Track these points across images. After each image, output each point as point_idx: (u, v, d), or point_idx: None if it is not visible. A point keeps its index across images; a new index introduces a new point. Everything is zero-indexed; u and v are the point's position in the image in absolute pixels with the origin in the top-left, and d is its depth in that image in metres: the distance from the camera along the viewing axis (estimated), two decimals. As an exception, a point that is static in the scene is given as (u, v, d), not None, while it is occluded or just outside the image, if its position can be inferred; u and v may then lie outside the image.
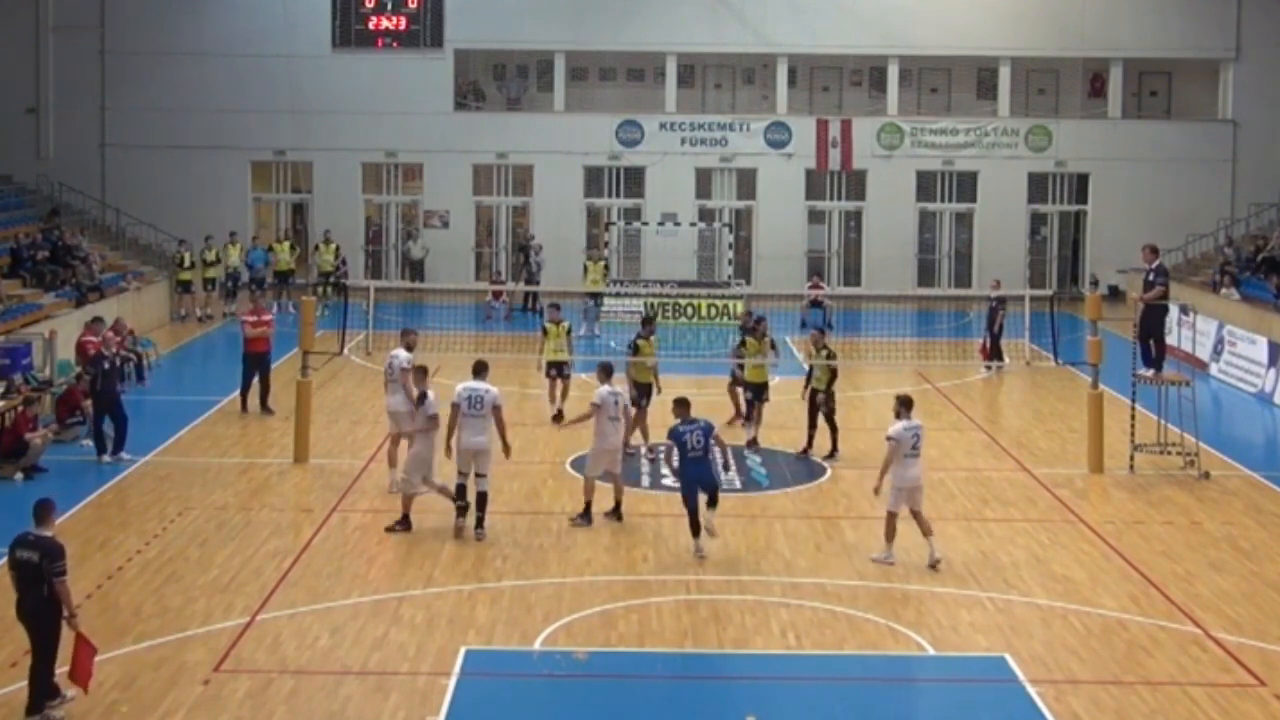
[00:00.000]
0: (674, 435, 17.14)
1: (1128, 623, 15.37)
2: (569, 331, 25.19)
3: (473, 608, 15.49)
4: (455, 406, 17.90)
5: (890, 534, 17.01)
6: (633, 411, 18.92)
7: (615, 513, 18.68)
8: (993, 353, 29.86)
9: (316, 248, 39.77)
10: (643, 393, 22.64)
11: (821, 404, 22.31)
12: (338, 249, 39.46)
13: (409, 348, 20.13)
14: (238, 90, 41.51)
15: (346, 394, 26.98)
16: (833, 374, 22.47)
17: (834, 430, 22.53)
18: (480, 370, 18.37)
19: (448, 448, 18.04)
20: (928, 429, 17.47)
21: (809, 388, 22.54)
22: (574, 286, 35.84)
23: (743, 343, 23.38)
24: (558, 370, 24.54)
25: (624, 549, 17.42)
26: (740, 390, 23.63)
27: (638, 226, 42.01)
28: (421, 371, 18.53)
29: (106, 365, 22.30)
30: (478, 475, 17.89)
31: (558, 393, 24.55)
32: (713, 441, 17.37)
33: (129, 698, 13.03)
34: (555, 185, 42.53)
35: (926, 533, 16.98)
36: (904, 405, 17.15)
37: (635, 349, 23.03)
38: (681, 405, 17.46)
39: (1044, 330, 28.09)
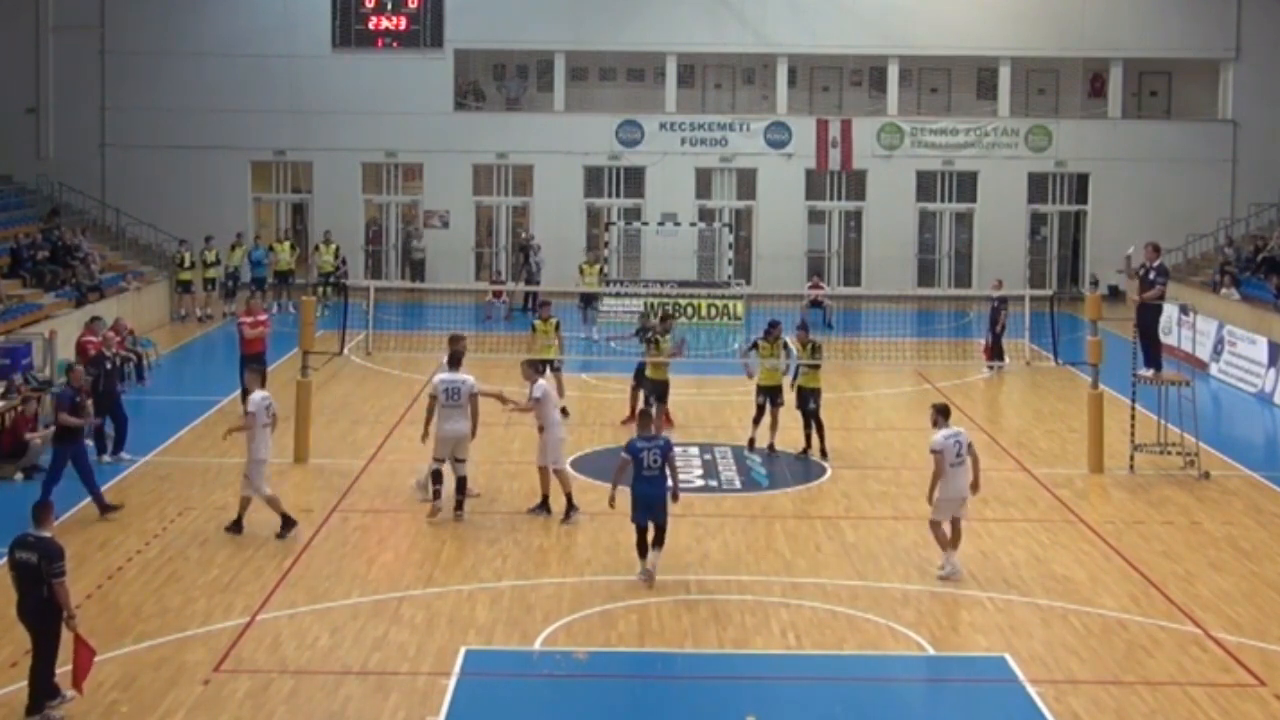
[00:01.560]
0: (631, 450, 16.21)
1: (1128, 623, 15.37)
2: (557, 327, 25.04)
3: (473, 608, 15.49)
4: (433, 398, 18.54)
5: (942, 543, 16.68)
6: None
7: (543, 507, 18.80)
8: (995, 352, 29.87)
9: (317, 248, 39.80)
10: (658, 392, 22.66)
11: (807, 402, 22.28)
12: (338, 249, 39.48)
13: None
14: (238, 90, 41.52)
15: (346, 394, 26.98)
16: (817, 371, 22.45)
17: (820, 429, 22.50)
18: (455, 361, 18.88)
19: (425, 434, 18.75)
20: (928, 430, 17.32)
21: (794, 385, 22.58)
22: (574, 287, 35.82)
23: (755, 345, 23.23)
24: (547, 366, 24.20)
25: (624, 549, 17.38)
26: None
27: (638, 226, 42.02)
28: (256, 375, 18.81)
29: (108, 365, 22.30)
30: (457, 461, 18.50)
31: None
32: (666, 461, 16.26)
33: (129, 698, 13.03)
34: (555, 185, 42.54)
35: (955, 543, 16.74)
36: (941, 414, 16.74)
37: (655, 345, 22.98)
38: (645, 419, 16.94)
39: (1044, 330, 28.12)
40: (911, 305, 40.87)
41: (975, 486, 16.89)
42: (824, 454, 22.33)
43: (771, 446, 22.56)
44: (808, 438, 22.53)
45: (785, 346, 23.25)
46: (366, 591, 16.01)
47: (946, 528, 16.68)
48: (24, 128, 41.29)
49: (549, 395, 18.87)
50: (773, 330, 23.06)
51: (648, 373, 23.05)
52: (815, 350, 22.50)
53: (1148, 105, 44.24)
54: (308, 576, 16.49)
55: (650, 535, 16.25)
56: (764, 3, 42.24)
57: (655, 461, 16.10)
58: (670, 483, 16.43)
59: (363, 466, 21.60)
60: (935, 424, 16.75)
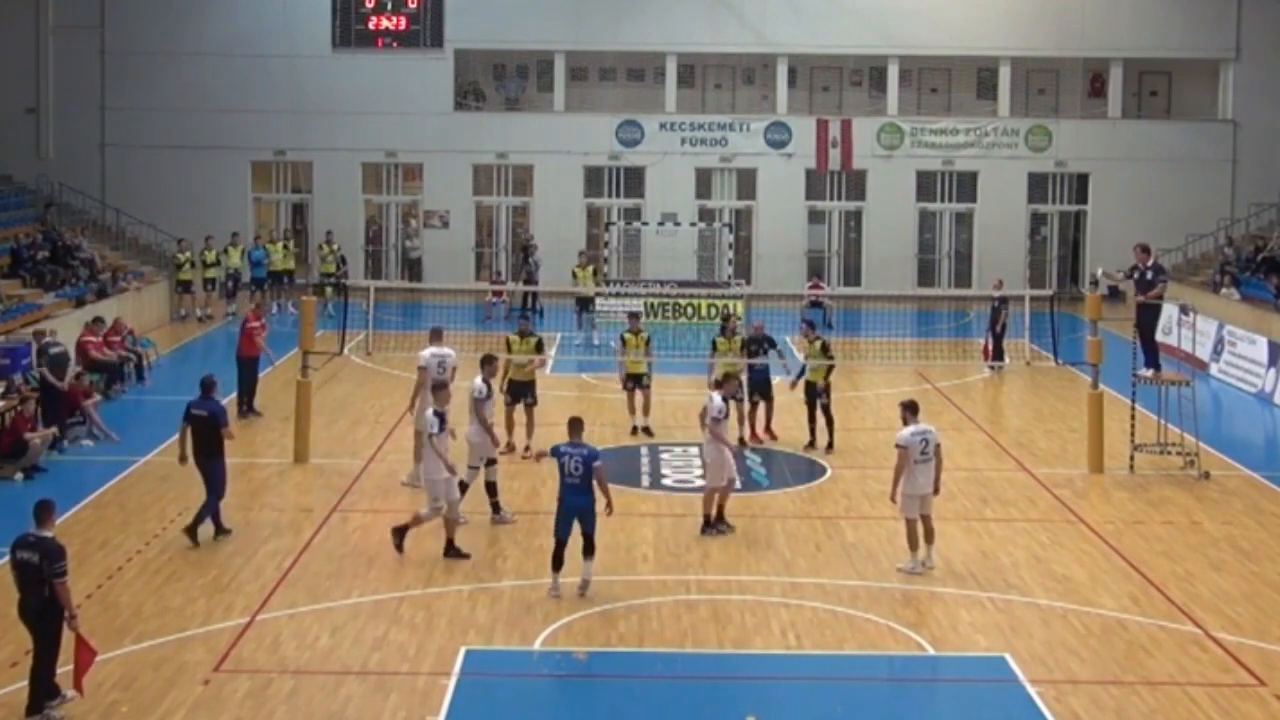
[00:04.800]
0: (554, 452, 15.90)
1: (1128, 623, 15.37)
2: (649, 342, 23.87)
3: (473, 608, 15.50)
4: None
5: (913, 542, 16.85)
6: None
7: (719, 521, 18.27)
8: (995, 353, 29.86)
9: (320, 247, 39.78)
10: (521, 393, 22.19)
11: (819, 397, 22.45)
12: (338, 249, 39.47)
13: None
14: (238, 90, 41.52)
15: (346, 394, 26.98)
16: (829, 368, 22.63)
17: (830, 423, 22.61)
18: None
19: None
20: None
21: (797, 380, 22.62)
22: (572, 289, 35.78)
23: (713, 344, 23.28)
24: (636, 382, 23.60)
25: (624, 549, 17.42)
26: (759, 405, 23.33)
27: (638, 226, 42.01)
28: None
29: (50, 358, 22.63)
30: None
31: (638, 405, 23.59)
32: (593, 473, 15.68)
33: (129, 698, 13.03)
34: (555, 185, 42.54)
35: (929, 539, 16.92)
36: (910, 410, 16.98)
37: (508, 346, 22.56)
38: (575, 426, 16.09)
39: (1044, 330, 28.08)
40: (911, 305, 40.88)
41: (935, 488, 16.99)
42: (830, 448, 22.40)
43: (742, 440, 22.68)
44: (812, 431, 22.64)
45: (743, 344, 23.20)
46: (366, 591, 16.01)
47: (919, 526, 16.81)
48: (24, 128, 41.28)
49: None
50: (728, 325, 23.16)
51: (510, 374, 22.31)
52: (825, 348, 22.65)
53: (1148, 105, 44.23)
54: (308, 576, 16.49)
55: (582, 545, 15.70)
56: (764, 3, 42.23)
57: (576, 469, 15.61)
58: (605, 500, 15.89)
59: (363, 466, 21.60)
60: (905, 421, 16.93)
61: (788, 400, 23.63)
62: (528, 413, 22.20)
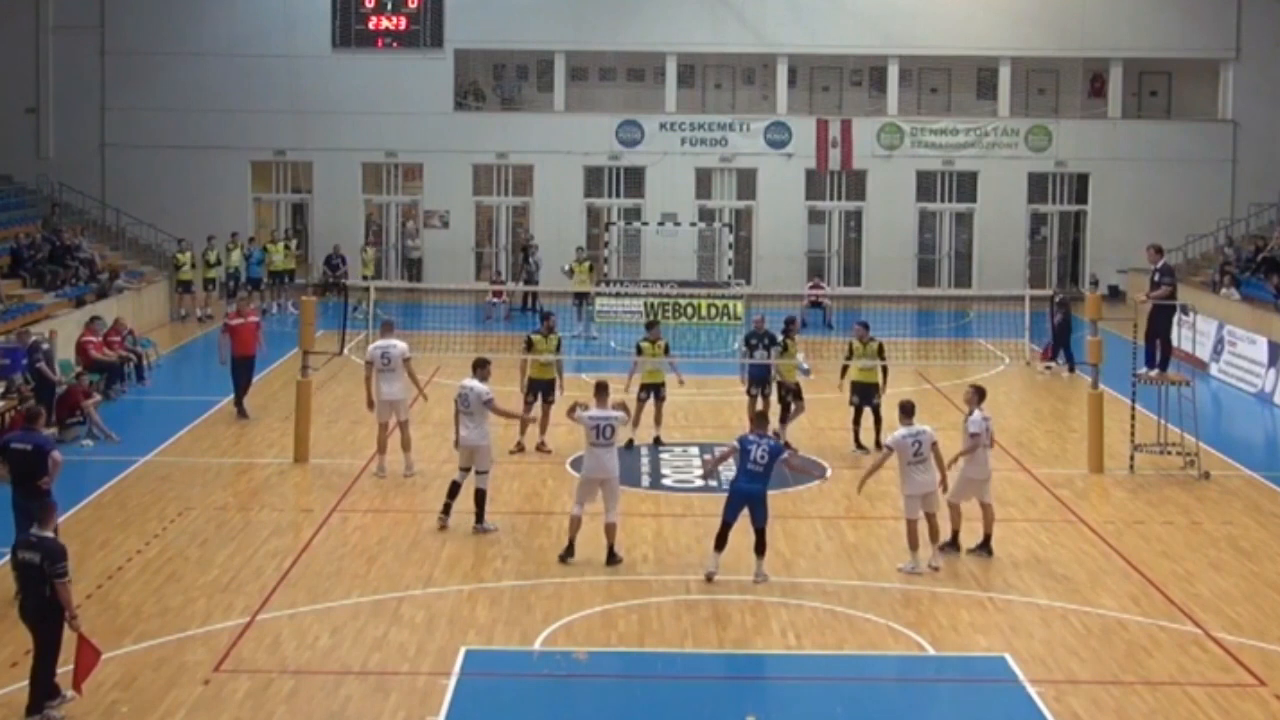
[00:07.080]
0: (741, 441, 16.42)
1: (1128, 623, 15.37)
2: (667, 349, 23.05)
3: (473, 608, 15.49)
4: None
5: (913, 542, 16.86)
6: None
7: (983, 545, 17.64)
8: (1055, 354, 29.85)
9: (364, 250, 39.77)
10: (537, 389, 22.25)
11: (871, 398, 22.47)
12: (373, 253, 39.69)
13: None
14: (238, 90, 41.52)
15: (346, 394, 26.96)
16: (883, 369, 22.72)
17: (879, 424, 22.52)
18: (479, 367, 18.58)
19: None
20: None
21: (843, 377, 22.60)
22: (570, 287, 35.79)
23: (784, 347, 23.00)
24: (652, 393, 22.84)
25: (624, 549, 17.39)
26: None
27: (638, 226, 42.03)
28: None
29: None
30: (478, 472, 18.11)
31: (648, 415, 22.77)
32: (776, 464, 16.31)
33: (129, 698, 13.03)
34: (555, 185, 42.54)
35: (934, 538, 16.95)
36: (904, 412, 17.12)
37: (529, 344, 22.49)
38: (761, 419, 17.07)
39: (1044, 330, 28.11)
40: (911, 305, 40.88)
41: (943, 485, 17.14)
42: (878, 445, 22.26)
43: (786, 442, 22.69)
44: (857, 433, 22.71)
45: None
46: (366, 591, 16.01)
47: (922, 526, 16.84)
48: (24, 128, 41.29)
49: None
50: (792, 326, 23.07)
51: (533, 372, 22.44)
52: (880, 350, 22.68)
53: (1148, 105, 44.23)
54: (308, 576, 16.49)
55: (752, 540, 16.28)
56: (764, 3, 42.23)
57: (763, 458, 16.11)
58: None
59: (363, 466, 21.58)
60: (901, 422, 17.08)
61: (817, 400, 23.55)
62: (545, 410, 22.22)
